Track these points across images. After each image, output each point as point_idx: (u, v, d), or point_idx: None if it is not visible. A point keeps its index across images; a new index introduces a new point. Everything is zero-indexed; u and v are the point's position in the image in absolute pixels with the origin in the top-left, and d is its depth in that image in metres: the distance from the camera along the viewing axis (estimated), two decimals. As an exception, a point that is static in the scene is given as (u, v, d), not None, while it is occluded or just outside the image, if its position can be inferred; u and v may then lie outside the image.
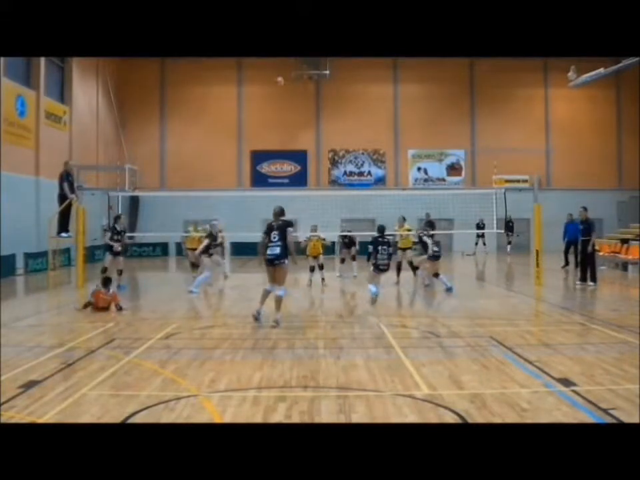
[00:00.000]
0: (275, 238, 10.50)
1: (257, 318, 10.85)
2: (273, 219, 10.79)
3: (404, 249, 18.01)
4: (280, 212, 10.83)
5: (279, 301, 10.68)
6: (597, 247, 19.50)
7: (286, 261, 10.60)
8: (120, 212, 20.98)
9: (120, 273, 16.14)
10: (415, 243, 17.96)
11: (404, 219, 18.11)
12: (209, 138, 33.51)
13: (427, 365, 7.65)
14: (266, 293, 10.87)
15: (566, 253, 21.18)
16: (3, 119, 21.06)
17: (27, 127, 23.31)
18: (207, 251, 15.67)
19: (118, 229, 16.20)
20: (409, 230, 18.05)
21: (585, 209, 17.21)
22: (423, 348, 8.99)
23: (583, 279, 16.71)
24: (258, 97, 34.03)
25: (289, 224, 10.75)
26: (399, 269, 17.49)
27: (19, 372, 7.28)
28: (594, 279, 16.58)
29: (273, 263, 10.57)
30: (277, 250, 10.46)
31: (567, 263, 21.18)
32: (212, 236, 15.93)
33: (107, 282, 12.64)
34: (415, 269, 17.62)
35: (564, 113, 34.63)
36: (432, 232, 15.33)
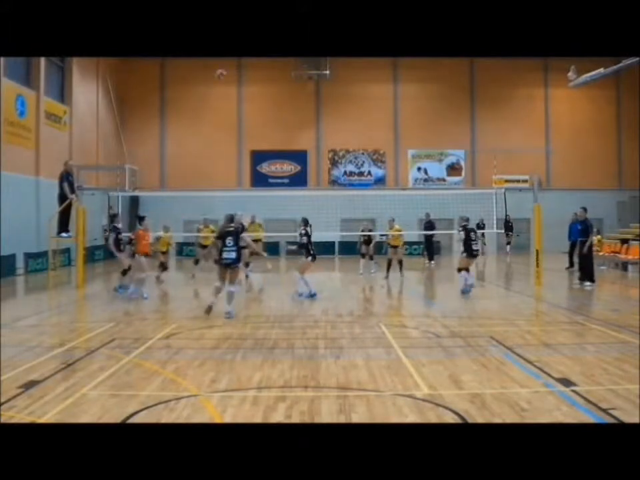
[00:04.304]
0: (229, 243, 11.40)
1: (209, 311, 11.57)
2: (224, 226, 11.75)
3: (395, 247, 19.50)
4: (230, 219, 11.89)
5: (231, 296, 11.54)
6: (596, 247, 19.56)
7: (240, 265, 11.85)
8: (120, 212, 21.04)
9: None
10: (404, 243, 20.10)
11: (393, 220, 19.77)
12: (209, 138, 33.49)
13: (427, 365, 7.65)
14: (218, 289, 11.70)
15: (570, 254, 20.68)
16: (3, 119, 21.05)
17: (27, 127, 23.29)
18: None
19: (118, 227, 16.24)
20: (399, 230, 19.51)
21: (585, 209, 17.19)
22: (422, 348, 8.99)
23: (582, 279, 16.73)
24: (258, 97, 34.02)
25: (242, 229, 11.85)
26: (389, 265, 19.05)
27: (19, 372, 7.28)
28: (592, 279, 16.58)
29: (230, 267, 11.50)
30: (233, 255, 11.44)
31: (571, 265, 20.56)
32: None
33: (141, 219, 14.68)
34: (401, 265, 19.06)
35: (564, 113, 34.61)
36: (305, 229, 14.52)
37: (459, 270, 14.90)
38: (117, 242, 15.65)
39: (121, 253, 15.61)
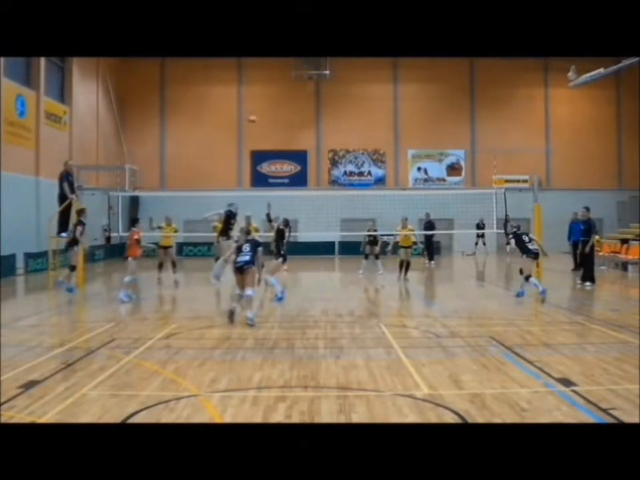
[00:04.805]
0: (246, 249, 11.27)
1: (231, 317, 11.04)
2: (241, 237, 11.69)
3: (406, 247, 18.85)
4: (248, 231, 11.96)
5: (249, 301, 11.12)
6: (597, 247, 19.47)
7: (253, 266, 11.30)
8: (119, 211, 21.01)
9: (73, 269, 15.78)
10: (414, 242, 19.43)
11: (406, 219, 19.12)
12: (208, 138, 33.49)
13: (427, 365, 7.65)
14: (239, 296, 11.34)
15: (574, 254, 20.21)
16: (3, 119, 21.05)
17: (27, 127, 23.29)
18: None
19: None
20: (413, 230, 19.06)
21: (587, 209, 17.15)
22: (422, 348, 8.99)
23: (583, 279, 16.72)
24: (258, 97, 34.00)
25: (260, 244, 11.64)
26: (401, 266, 18.43)
27: (19, 372, 7.28)
28: (592, 279, 16.58)
29: (242, 270, 11.16)
30: (247, 257, 11.17)
31: (576, 265, 19.87)
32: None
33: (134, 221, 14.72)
34: (408, 268, 18.49)
35: (564, 113, 34.61)
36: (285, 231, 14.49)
37: (527, 277, 14.10)
38: (81, 235, 15.61)
39: (78, 248, 15.53)
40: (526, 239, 14.33)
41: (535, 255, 14.10)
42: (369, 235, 20.40)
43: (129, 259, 14.22)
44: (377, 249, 20.26)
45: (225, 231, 15.73)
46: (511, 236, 14.75)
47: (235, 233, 15.02)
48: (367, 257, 20.38)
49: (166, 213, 19.59)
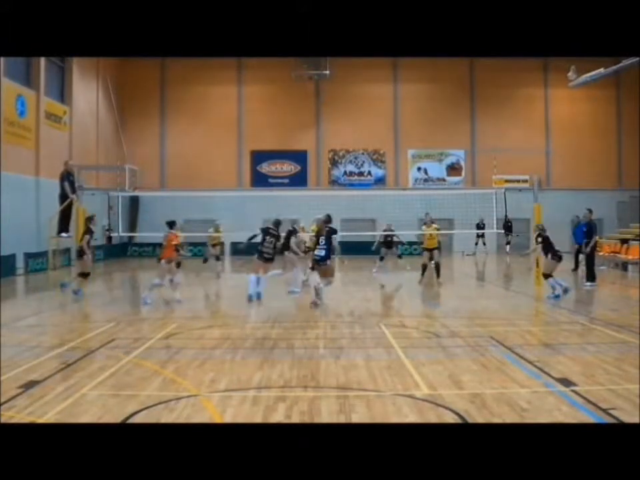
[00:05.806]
0: (322, 242, 12.57)
1: (316, 304, 12.44)
2: (322, 226, 12.84)
3: (430, 250, 17.79)
4: (328, 219, 12.95)
5: (318, 289, 12.60)
6: (597, 248, 19.47)
7: (328, 262, 12.66)
8: (120, 212, 21.03)
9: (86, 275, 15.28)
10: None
11: (432, 221, 17.92)
12: (208, 138, 33.49)
13: (427, 365, 7.65)
14: (320, 290, 12.62)
15: (576, 255, 20.19)
16: (3, 118, 21.05)
17: (27, 127, 23.29)
18: (288, 248, 15.55)
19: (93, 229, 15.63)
20: (438, 229, 17.88)
21: (590, 211, 17.24)
22: (423, 348, 8.99)
23: (588, 279, 16.80)
24: (258, 97, 34.02)
25: (335, 231, 12.79)
26: (424, 269, 17.63)
27: (19, 372, 7.28)
28: (592, 278, 16.62)
29: (318, 263, 12.58)
30: (322, 252, 12.53)
31: (576, 266, 20.16)
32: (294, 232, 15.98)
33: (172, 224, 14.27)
34: (439, 270, 17.59)
35: (564, 113, 34.61)
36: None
37: (547, 276, 14.23)
38: (89, 244, 15.15)
39: (87, 257, 15.03)
40: (551, 240, 14.36)
41: (559, 258, 14.17)
42: (385, 236, 19.97)
43: (162, 261, 13.93)
44: (390, 252, 19.99)
45: (287, 246, 15.94)
46: (539, 239, 14.56)
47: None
48: (382, 259, 20.13)
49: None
